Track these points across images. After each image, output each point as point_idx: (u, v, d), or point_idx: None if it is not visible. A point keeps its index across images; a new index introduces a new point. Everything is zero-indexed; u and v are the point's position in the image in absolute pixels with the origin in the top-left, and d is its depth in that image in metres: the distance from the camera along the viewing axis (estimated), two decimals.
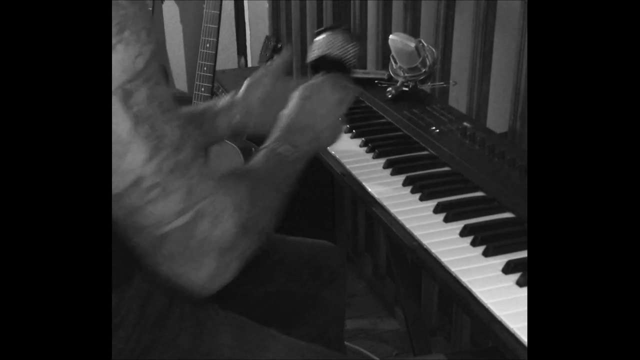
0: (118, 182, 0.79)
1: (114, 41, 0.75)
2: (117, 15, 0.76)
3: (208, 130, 1.27)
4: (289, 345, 1.10)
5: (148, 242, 0.83)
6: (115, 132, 0.77)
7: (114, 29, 0.75)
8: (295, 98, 1.13)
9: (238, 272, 0.89)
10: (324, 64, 1.18)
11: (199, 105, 1.30)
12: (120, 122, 0.77)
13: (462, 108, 1.68)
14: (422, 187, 1.24)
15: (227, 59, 3.06)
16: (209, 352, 1.05)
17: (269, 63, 1.23)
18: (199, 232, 0.84)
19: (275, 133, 1.07)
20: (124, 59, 0.76)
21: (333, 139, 1.16)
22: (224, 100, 1.30)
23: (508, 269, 1.01)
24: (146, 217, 0.81)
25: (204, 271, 0.85)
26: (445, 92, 1.81)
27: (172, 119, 0.81)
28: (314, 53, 1.21)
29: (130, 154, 0.78)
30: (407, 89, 1.62)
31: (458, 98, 1.79)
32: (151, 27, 0.80)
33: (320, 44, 1.20)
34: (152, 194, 0.80)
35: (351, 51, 1.20)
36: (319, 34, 1.22)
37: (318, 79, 1.17)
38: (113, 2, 0.76)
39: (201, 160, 0.85)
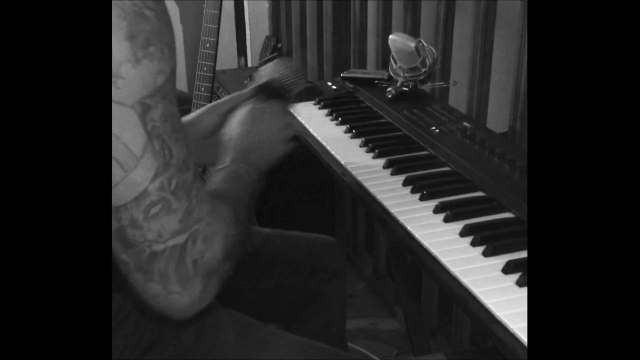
0: (122, 194, 0.80)
1: (139, 54, 0.76)
2: (143, 30, 0.77)
3: None
4: (291, 342, 1.10)
5: (140, 258, 0.83)
6: (128, 145, 0.78)
7: (140, 42, 0.76)
8: (242, 118, 1.13)
9: (214, 297, 0.90)
10: (268, 90, 1.23)
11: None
12: (135, 136, 0.78)
13: (462, 108, 1.68)
14: (422, 187, 1.24)
15: (227, 59, 3.06)
16: (211, 349, 1.05)
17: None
18: (192, 254, 0.85)
19: (230, 154, 1.07)
20: (146, 73, 0.77)
21: (271, 162, 1.16)
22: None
23: (508, 269, 1.01)
24: (143, 233, 0.82)
25: (190, 294, 0.87)
26: (445, 92, 1.81)
27: (180, 139, 0.83)
28: (260, 79, 1.26)
29: (140, 168, 0.80)
30: (407, 89, 1.62)
31: (458, 98, 1.79)
32: (173, 45, 0.81)
33: (267, 71, 1.26)
34: (154, 210, 0.81)
35: (294, 80, 1.26)
36: (264, 62, 1.32)
37: (265, 102, 1.18)
38: (140, 14, 0.76)
39: (201, 183, 0.87)
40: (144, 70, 0.77)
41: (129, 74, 0.76)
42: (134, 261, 0.84)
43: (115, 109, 0.77)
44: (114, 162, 0.78)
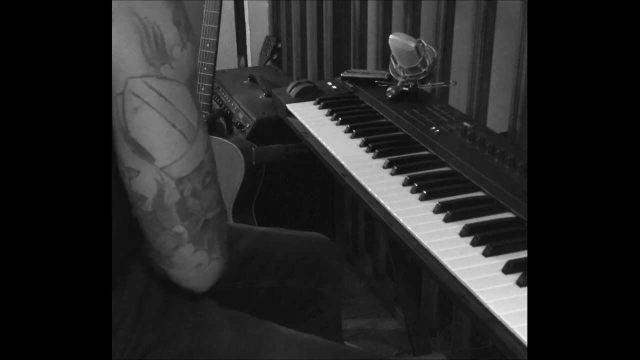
0: (186, 165, 0.88)
1: (185, 38, 0.85)
2: (183, 16, 0.85)
3: None
4: (290, 337, 1.10)
5: (195, 227, 0.91)
6: (188, 119, 0.87)
7: (184, 27, 0.85)
8: None
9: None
10: None
11: None
12: (192, 111, 0.88)
13: (462, 108, 1.68)
14: (422, 187, 1.24)
15: (227, 59, 3.06)
16: (210, 347, 1.05)
17: None
18: (223, 222, 0.95)
19: None
20: (191, 55, 0.87)
21: None
22: None
23: (508, 269, 1.01)
24: (201, 202, 0.91)
25: (224, 258, 0.97)
26: (445, 92, 1.81)
27: None
28: None
29: (198, 139, 0.89)
30: (407, 89, 1.62)
31: (458, 98, 1.79)
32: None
33: None
34: (208, 179, 0.91)
35: None
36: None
37: None
38: (177, 3, 0.85)
39: None
40: (189, 52, 0.86)
41: (180, 55, 0.85)
42: (189, 231, 0.91)
43: (174, 86, 0.85)
44: (180, 136, 0.87)
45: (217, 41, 2.08)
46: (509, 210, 1.17)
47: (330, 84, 1.80)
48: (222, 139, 2.08)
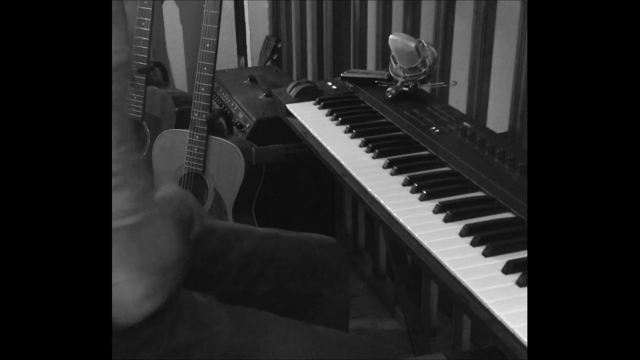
0: None
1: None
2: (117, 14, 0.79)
3: None
4: (289, 325, 1.08)
5: None
6: None
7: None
8: None
9: (166, 301, 0.86)
10: None
11: None
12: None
13: (462, 108, 1.68)
14: (422, 187, 1.24)
15: (227, 59, 3.07)
16: (208, 341, 1.04)
17: None
18: (145, 239, 0.82)
19: None
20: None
21: None
22: None
23: (508, 269, 1.01)
24: None
25: (142, 285, 0.82)
26: (445, 92, 1.81)
27: (130, 123, 0.84)
28: None
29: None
30: (407, 89, 1.62)
31: (458, 98, 1.79)
32: (127, 33, 0.82)
33: None
34: (113, 181, 0.79)
35: None
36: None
37: None
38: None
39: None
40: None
41: None
42: None
43: None
44: None
45: (217, 41, 2.08)
46: (509, 210, 1.17)
47: (330, 84, 1.80)
48: (222, 139, 2.08)
